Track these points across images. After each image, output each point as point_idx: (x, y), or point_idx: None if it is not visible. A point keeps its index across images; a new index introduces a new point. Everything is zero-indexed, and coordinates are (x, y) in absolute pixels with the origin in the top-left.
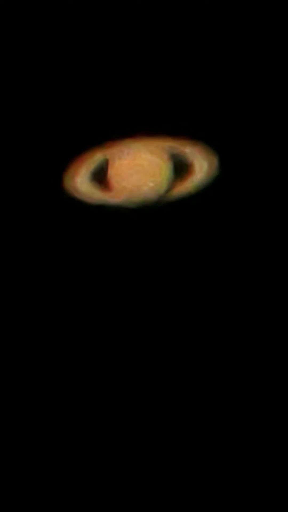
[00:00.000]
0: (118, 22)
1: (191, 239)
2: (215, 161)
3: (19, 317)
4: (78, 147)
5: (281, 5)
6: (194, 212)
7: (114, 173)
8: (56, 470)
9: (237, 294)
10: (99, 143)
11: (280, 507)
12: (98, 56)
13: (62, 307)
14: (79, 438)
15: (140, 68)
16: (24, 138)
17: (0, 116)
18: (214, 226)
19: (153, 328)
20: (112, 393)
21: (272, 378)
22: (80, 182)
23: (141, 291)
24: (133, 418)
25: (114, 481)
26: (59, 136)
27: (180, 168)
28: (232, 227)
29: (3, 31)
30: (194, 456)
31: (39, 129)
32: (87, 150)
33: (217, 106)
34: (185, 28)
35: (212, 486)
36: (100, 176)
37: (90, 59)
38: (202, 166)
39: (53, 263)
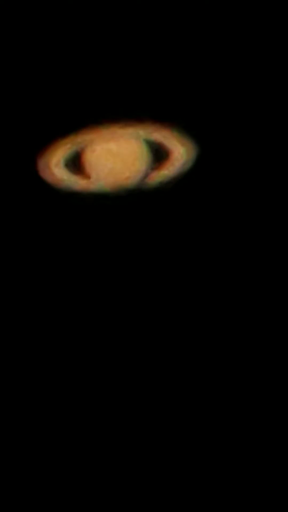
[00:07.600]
0: (102, 12)
1: (169, 226)
2: (193, 147)
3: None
4: (53, 134)
5: None
6: (172, 199)
7: (90, 159)
8: (56, 470)
9: (218, 280)
10: (74, 129)
11: (280, 507)
12: (75, 43)
13: (38, 297)
14: (79, 436)
15: (116, 54)
16: None
17: None
18: (193, 213)
19: (138, 316)
20: (112, 389)
21: (271, 371)
22: (55, 168)
23: (119, 280)
24: (133, 415)
25: (114, 481)
26: (33, 122)
27: (158, 154)
28: (211, 212)
29: None
30: (194, 456)
31: (12, 115)
32: (62, 136)
33: (194, 91)
34: (164, 16)
35: (212, 486)
36: (76, 163)
37: (68, 46)
38: (179, 152)
39: (28, 251)
